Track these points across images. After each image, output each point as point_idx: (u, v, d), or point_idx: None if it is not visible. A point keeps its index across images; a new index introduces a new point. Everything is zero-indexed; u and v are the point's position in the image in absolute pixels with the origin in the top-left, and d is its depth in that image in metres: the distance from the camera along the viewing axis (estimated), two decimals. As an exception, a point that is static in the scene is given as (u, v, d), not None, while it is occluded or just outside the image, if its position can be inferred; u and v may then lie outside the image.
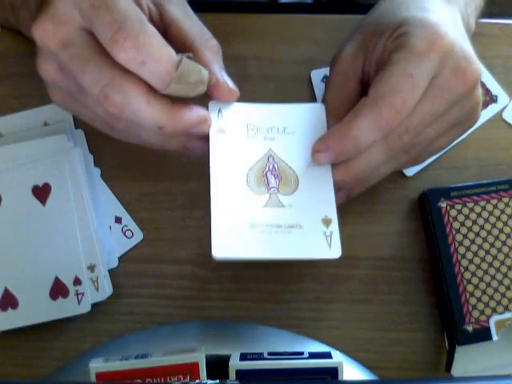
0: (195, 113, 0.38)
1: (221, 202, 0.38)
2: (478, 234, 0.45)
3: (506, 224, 0.45)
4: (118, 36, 0.34)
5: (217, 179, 0.38)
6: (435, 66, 0.37)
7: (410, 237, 0.47)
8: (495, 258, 0.45)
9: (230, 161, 0.39)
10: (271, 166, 0.39)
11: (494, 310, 0.44)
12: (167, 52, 0.35)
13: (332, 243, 0.38)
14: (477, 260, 0.44)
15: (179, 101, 0.37)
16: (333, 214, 0.38)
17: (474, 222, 0.45)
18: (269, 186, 0.39)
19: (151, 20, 0.39)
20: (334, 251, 0.38)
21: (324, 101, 0.42)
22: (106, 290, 0.44)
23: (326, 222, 0.38)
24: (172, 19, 0.39)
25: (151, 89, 0.36)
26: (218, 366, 0.38)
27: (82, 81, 0.36)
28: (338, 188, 0.40)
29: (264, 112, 0.41)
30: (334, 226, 0.38)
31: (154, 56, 0.34)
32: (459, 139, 0.48)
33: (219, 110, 0.40)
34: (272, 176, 0.39)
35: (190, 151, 0.40)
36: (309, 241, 0.37)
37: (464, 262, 0.44)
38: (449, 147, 0.48)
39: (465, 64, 0.38)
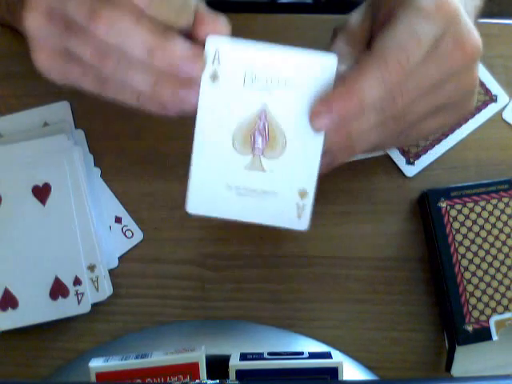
0: (188, 45, 0.35)
1: (202, 160, 0.38)
2: (478, 234, 0.45)
3: (506, 224, 0.45)
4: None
5: (202, 135, 0.37)
6: (439, 28, 0.37)
7: (410, 237, 0.47)
8: (495, 258, 0.45)
9: (218, 115, 0.37)
10: (261, 125, 0.37)
11: (494, 310, 0.43)
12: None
13: (302, 215, 0.38)
14: (477, 260, 0.44)
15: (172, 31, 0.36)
16: (310, 188, 0.38)
17: (474, 222, 0.45)
18: (254, 146, 0.38)
19: None
20: (302, 223, 0.38)
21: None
22: (106, 290, 0.44)
23: (302, 194, 0.38)
24: None
25: (141, 10, 0.34)
26: (218, 366, 0.38)
27: (69, 8, 0.35)
28: (323, 153, 0.38)
29: (268, 57, 0.37)
30: (309, 200, 0.38)
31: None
32: (459, 139, 0.49)
33: (217, 50, 0.36)
34: (260, 136, 0.38)
35: (182, 103, 0.37)
36: (280, 210, 0.38)
37: (464, 262, 0.44)
38: (449, 147, 0.48)
39: (467, 35, 0.38)
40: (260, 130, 0.37)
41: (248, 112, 0.37)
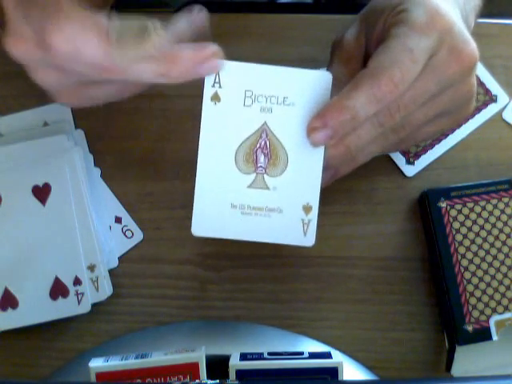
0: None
1: (205, 181, 0.38)
2: (478, 234, 0.45)
3: (506, 224, 0.45)
4: (48, 30, 0.34)
5: (205, 155, 0.38)
6: (434, 43, 0.37)
7: (410, 237, 0.47)
8: (495, 258, 0.45)
9: (220, 134, 0.38)
10: (262, 143, 0.38)
11: (494, 310, 0.44)
12: (92, 19, 0.34)
13: (308, 231, 0.38)
14: (477, 260, 0.44)
15: None
16: (314, 202, 0.38)
17: (474, 222, 0.45)
18: (257, 164, 0.38)
19: None
20: (309, 239, 0.38)
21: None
22: (106, 289, 0.44)
23: (307, 209, 0.38)
24: None
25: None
26: (218, 366, 0.38)
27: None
28: (325, 167, 0.39)
29: (266, 76, 0.38)
30: (313, 215, 0.38)
31: (82, 43, 0.34)
32: (459, 139, 0.49)
33: (217, 74, 0.38)
34: (262, 154, 0.38)
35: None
36: (286, 226, 0.38)
37: (464, 262, 0.44)
38: (449, 147, 0.48)
39: (462, 45, 0.38)
40: (262, 148, 0.38)
41: (250, 130, 0.38)
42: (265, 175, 0.38)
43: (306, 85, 0.38)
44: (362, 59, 0.41)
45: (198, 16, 0.38)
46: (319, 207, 0.38)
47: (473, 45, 0.38)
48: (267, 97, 0.38)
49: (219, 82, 0.38)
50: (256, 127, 0.38)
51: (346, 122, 0.36)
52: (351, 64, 0.41)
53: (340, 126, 0.36)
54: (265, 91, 0.38)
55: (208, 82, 0.38)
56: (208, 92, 0.38)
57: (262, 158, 0.38)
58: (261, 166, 0.38)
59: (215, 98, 0.38)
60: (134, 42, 0.35)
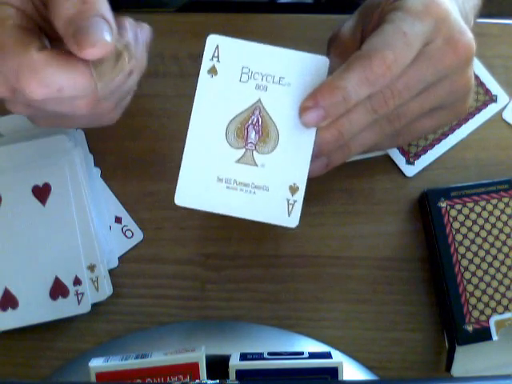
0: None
1: (194, 152, 0.38)
2: (478, 234, 0.45)
3: (506, 224, 0.45)
4: (22, 82, 0.33)
5: (196, 127, 0.38)
6: (429, 30, 0.37)
7: (410, 237, 0.47)
8: (495, 258, 0.45)
9: (214, 107, 0.38)
10: (255, 120, 0.38)
11: (494, 310, 0.44)
12: (70, 63, 0.33)
13: (292, 212, 0.38)
14: (477, 260, 0.44)
15: None
16: (301, 183, 0.38)
17: (474, 222, 0.45)
18: (247, 140, 0.38)
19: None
20: (292, 220, 0.38)
21: None
22: (106, 289, 0.44)
23: (293, 189, 0.38)
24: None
25: None
26: (218, 366, 0.38)
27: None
28: (317, 153, 0.39)
29: (265, 55, 0.39)
30: (299, 196, 0.38)
31: (60, 78, 0.33)
32: (459, 139, 0.49)
33: (217, 46, 0.38)
34: (253, 130, 0.38)
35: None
36: (270, 205, 0.38)
37: (464, 262, 0.44)
38: (449, 147, 0.48)
39: (459, 35, 0.38)
40: (254, 124, 0.38)
41: (243, 106, 0.38)
42: (254, 152, 0.38)
43: (303, 67, 0.38)
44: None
45: (145, 32, 0.39)
46: (306, 189, 0.38)
47: (469, 35, 0.38)
48: (263, 75, 0.38)
49: (218, 57, 0.38)
50: (250, 103, 0.38)
51: (338, 103, 0.36)
52: (346, 57, 0.40)
53: (332, 107, 0.36)
54: (262, 69, 0.38)
55: (207, 55, 0.38)
56: (206, 64, 0.38)
57: (252, 135, 0.38)
58: (251, 142, 0.38)
59: (212, 70, 0.38)
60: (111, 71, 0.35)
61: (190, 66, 0.50)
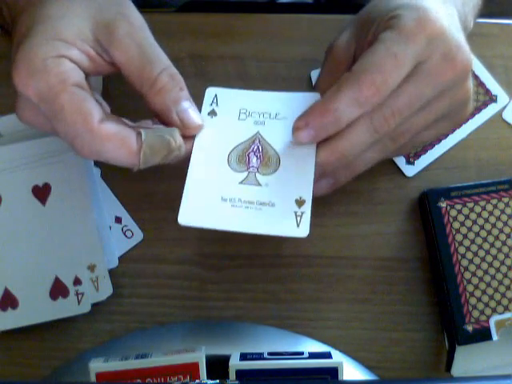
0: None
1: (197, 174, 0.38)
2: (478, 234, 0.45)
3: (506, 224, 0.45)
4: (76, 146, 0.36)
5: (199, 153, 0.38)
6: (422, 48, 0.37)
7: (410, 237, 0.47)
8: (495, 258, 0.45)
9: (215, 139, 0.39)
10: (255, 148, 0.39)
11: (494, 310, 0.44)
12: (124, 146, 0.36)
13: (301, 222, 0.37)
14: (477, 260, 0.44)
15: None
16: (307, 196, 0.38)
17: (474, 222, 0.45)
18: (249, 165, 0.38)
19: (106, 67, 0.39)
20: (302, 230, 0.37)
21: (316, 86, 0.42)
22: (106, 289, 0.44)
23: (300, 202, 0.37)
24: (118, 66, 0.38)
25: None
26: (218, 366, 0.38)
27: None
28: (323, 174, 0.39)
29: (259, 98, 0.41)
30: (307, 207, 0.37)
31: (112, 154, 0.36)
32: (459, 139, 0.49)
33: (215, 96, 0.41)
34: (254, 156, 0.39)
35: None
36: (278, 218, 0.37)
37: (464, 262, 0.44)
38: (449, 147, 0.49)
39: (456, 51, 0.38)
40: (254, 152, 0.39)
41: (243, 138, 0.40)
42: (257, 173, 0.38)
43: (296, 104, 0.40)
44: (351, 66, 0.41)
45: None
46: (313, 200, 0.37)
47: (466, 49, 0.38)
48: (260, 113, 0.41)
49: (216, 102, 0.41)
50: (249, 135, 0.40)
51: (329, 123, 0.37)
52: (339, 73, 0.40)
53: (322, 127, 0.37)
54: (258, 109, 0.41)
55: (207, 101, 0.40)
56: (206, 109, 0.40)
57: (254, 160, 0.39)
58: (253, 166, 0.39)
59: (212, 113, 0.40)
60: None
61: (189, 66, 0.49)
